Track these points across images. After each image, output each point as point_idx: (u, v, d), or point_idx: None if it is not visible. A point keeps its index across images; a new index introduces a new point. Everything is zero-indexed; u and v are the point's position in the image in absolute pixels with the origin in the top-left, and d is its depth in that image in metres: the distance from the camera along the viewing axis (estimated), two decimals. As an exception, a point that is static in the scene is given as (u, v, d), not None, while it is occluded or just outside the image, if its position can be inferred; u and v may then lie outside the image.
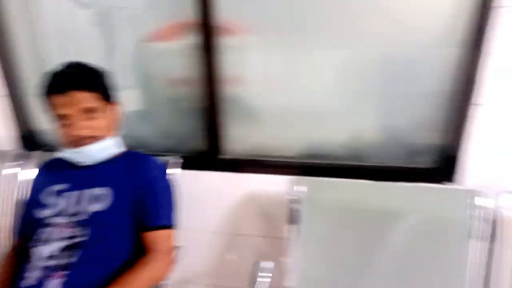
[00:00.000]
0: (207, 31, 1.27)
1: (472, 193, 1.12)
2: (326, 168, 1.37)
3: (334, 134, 1.36)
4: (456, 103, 1.19)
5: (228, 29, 1.29)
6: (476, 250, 1.11)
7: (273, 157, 1.42)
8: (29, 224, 1.09)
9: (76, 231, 1.03)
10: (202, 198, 1.45)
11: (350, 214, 1.22)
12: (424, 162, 1.31)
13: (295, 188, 1.23)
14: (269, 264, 1.19)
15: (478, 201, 1.11)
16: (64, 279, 0.97)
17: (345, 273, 1.21)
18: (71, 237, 1.02)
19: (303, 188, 1.23)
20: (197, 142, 1.45)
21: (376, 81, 1.26)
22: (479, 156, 1.20)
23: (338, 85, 1.30)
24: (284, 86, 1.33)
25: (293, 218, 1.23)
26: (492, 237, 1.09)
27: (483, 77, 1.12)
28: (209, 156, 1.44)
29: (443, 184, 1.25)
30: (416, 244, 1.16)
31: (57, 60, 1.11)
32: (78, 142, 1.07)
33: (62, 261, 0.99)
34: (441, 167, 1.27)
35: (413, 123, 1.28)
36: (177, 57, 1.36)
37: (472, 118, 1.16)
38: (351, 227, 1.22)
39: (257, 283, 1.13)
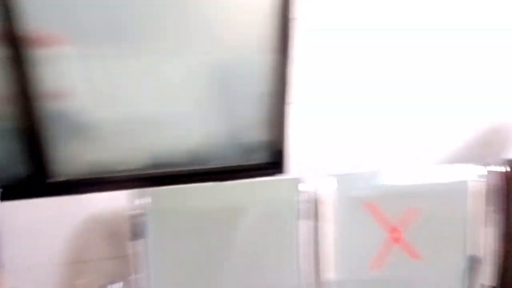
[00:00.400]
0: (12, 42, 1.13)
1: (296, 181, 1.28)
2: (172, 176, 1.38)
3: (175, 142, 1.38)
4: (276, 103, 1.34)
5: (41, 39, 1.18)
6: (305, 228, 1.27)
7: (115, 172, 1.35)
8: None
9: None
10: (34, 230, 1.28)
11: (197, 218, 1.25)
12: (259, 158, 1.44)
13: (137, 201, 1.20)
14: (117, 286, 1.14)
15: (301, 187, 1.27)
16: None
17: (200, 276, 1.24)
18: None
19: (146, 200, 1.21)
20: (19, 168, 1.27)
21: (211, 86, 1.33)
22: (298, 147, 1.37)
23: (173, 92, 1.31)
24: (116, 97, 1.28)
25: (138, 233, 1.20)
26: (315, 216, 1.27)
27: (291, 79, 1.29)
28: (35, 181, 1.28)
29: (275, 176, 1.40)
30: (258, 234, 1.27)
31: None
32: None
33: None
34: (273, 161, 1.42)
35: (246, 123, 1.39)
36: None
37: (288, 115, 1.33)
38: (199, 231, 1.25)
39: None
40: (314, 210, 1.27)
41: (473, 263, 1.32)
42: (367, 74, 1.32)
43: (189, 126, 1.36)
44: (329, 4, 1.21)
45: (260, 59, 1.29)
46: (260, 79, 1.33)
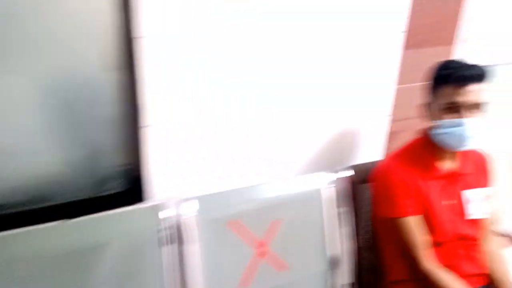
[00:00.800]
0: None
1: (156, 208, 1.20)
2: (6, 218, 1.16)
3: (9, 177, 1.16)
4: (129, 126, 1.25)
5: None
6: (170, 256, 1.20)
7: None
8: None
9: None
10: None
11: (37, 267, 1.06)
12: (115, 187, 1.31)
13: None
14: None
15: (163, 214, 1.20)
16: None
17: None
18: None
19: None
20: None
21: (51, 110, 1.16)
22: (158, 171, 1.29)
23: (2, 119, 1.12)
24: None
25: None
26: (180, 241, 1.21)
27: (144, 100, 1.21)
28: None
29: (135, 204, 1.30)
30: (120, 271, 1.15)
31: None
32: None
33: None
34: (131, 189, 1.31)
35: (98, 150, 1.26)
36: None
37: (144, 139, 1.25)
38: (41, 282, 1.07)
39: None
40: (178, 235, 1.21)
41: (333, 264, 1.42)
42: (220, 92, 1.32)
43: (27, 157, 1.16)
44: (178, 21, 1.18)
45: (107, 80, 1.19)
46: (109, 101, 1.22)
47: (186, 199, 1.21)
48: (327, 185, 1.38)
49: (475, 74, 1.19)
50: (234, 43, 1.29)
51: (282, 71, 1.38)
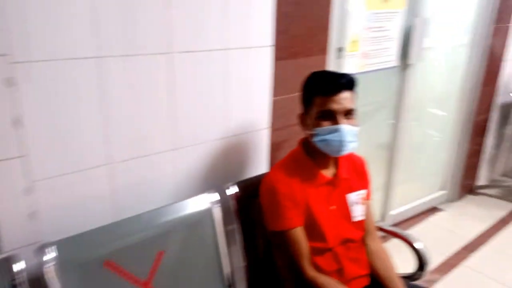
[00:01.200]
0: None
1: (9, 260, 1.01)
2: None
3: None
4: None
5: None
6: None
7: None
8: None
9: None
10: None
11: None
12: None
13: None
14: None
15: (17, 266, 1.00)
16: None
17: None
18: None
19: None
20: None
21: None
22: (9, 217, 1.08)
23: None
24: None
25: None
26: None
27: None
28: None
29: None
30: None
31: None
32: None
33: None
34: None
35: None
36: None
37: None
38: None
39: None
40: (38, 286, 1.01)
41: (229, 285, 1.35)
42: (79, 119, 1.16)
43: None
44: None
45: None
46: None
47: (44, 246, 1.03)
48: (212, 205, 1.31)
49: (345, 82, 1.23)
50: (89, 66, 1.15)
51: (155, 91, 1.29)
